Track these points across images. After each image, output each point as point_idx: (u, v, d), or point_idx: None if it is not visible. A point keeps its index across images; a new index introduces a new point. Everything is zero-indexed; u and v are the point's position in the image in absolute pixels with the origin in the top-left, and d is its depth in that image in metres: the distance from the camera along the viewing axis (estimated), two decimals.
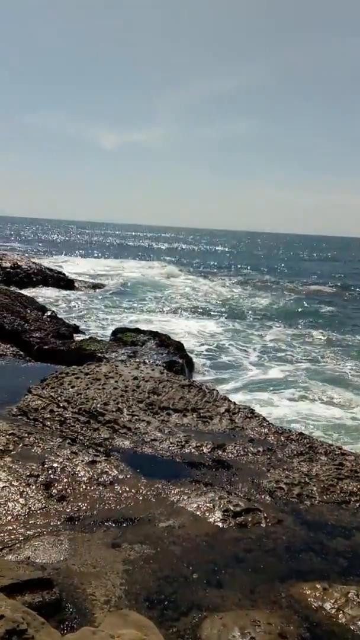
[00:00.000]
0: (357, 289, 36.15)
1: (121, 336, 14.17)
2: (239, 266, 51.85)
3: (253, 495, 3.81)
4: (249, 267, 50.36)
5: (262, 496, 3.82)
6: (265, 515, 3.50)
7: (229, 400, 5.69)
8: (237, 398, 10.64)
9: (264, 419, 5.39)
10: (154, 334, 14.45)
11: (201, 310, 23.99)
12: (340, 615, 2.59)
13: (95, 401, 5.14)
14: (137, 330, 14.72)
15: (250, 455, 4.50)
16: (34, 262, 27.47)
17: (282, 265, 58.84)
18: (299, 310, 26.05)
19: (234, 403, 5.65)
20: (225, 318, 22.38)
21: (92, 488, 3.73)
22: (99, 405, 5.06)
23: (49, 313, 15.20)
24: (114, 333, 14.71)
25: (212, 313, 23.58)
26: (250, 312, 24.56)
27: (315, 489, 3.96)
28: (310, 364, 15.19)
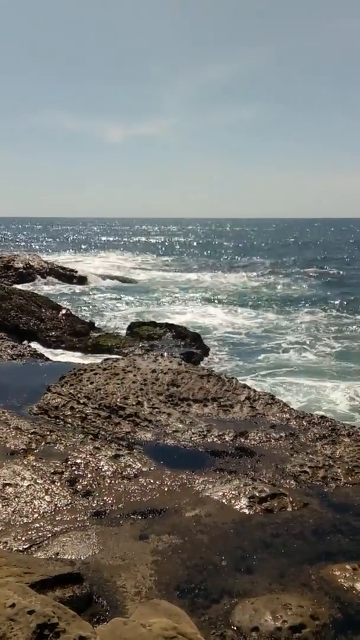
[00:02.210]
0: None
1: (137, 330, 14.20)
2: (254, 256, 51.43)
3: (278, 481, 3.80)
4: (265, 256, 49.95)
5: (287, 481, 3.81)
6: (291, 499, 3.49)
7: (249, 388, 5.68)
8: (263, 384, 10.65)
9: (284, 404, 5.37)
10: (170, 326, 14.47)
11: (221, 300, 23.93)
12: None
13: (115, 396, 5.15)
14: (153, 324, 14.74)
15: (272, 441, 4.48)
16: (45, 262, 27.63)
17: (301, 251, 58.45)
18: (322, 295, 25.91)
19: (254, 390, 5.64)
20: (246, 306, 22.33)
21: (116, 482, 3.74)
22: (118, 400, 5.08)
23: (64, 311, 15.26)
24: (130, 327, 14.74)
25: (231, 302, 23.53)
26: (271, 299, 24.45)
27: (339, 470, 3.95)
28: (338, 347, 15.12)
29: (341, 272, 36.09)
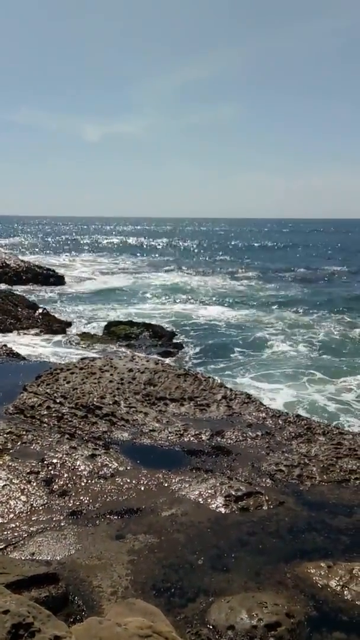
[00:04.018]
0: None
1: (114, 329, 14.17)
2: (237, 257, 51.34)
3: (254, 479, 3.82)
4: (250, 258, 49.91)
5: (263, 479, 3.83)
6: (266, 498, 3.51)
7: (226, 387, 5.70)
8: (242, 380, 10.71)
9: (260, 403, 5.41)
10: (147, 326, 14.47)
11: (203, 300, 23.94)
12: (345, 592, 2.61)
13: (91, 395, 5.13)
14: (130, 323, 14.72)
15: (249, 440, 4.51)
16: (22, 260, 27.36)
17: (283, 252, 58.83)
18: (306, 296, 26.13)
19: (231, 389, 5.66)
20: (229, 306, 22.39)
21: (93, 481, 3.73)
22: (95, 399, 5.06)
23: (40, 310, 15.15)
24: (107, 327, 14.70)
25: (213, 302, 23.56)
26: (254, 299, 24.52)
27: (315, 469, 3.98)
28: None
29: (322, 273, 36.46)
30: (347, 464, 4.06)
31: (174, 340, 14.30)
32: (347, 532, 3.19)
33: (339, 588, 2.64)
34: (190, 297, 25.06)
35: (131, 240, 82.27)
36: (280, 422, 4.87)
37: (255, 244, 74.28)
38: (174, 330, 15.76)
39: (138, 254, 52.60)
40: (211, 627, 2.35)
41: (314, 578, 2.71)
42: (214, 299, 24.59)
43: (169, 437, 4.52)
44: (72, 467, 3.89)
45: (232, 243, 77.22)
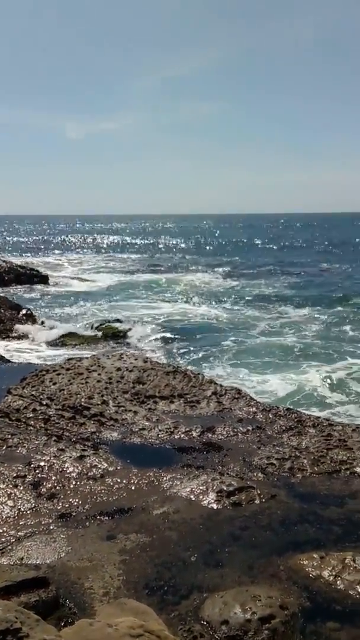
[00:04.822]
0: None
1: (101, 329, 14.13)
2: (225, 255, 51.14)
3: (245, 474, 3.81)
4: (239, 254, 49.71)
5: (255, 473, 3.82)
6: (258, 491, 3.50)
7: (215, 383, 5.68)
8: (234, 372, 10.72)
9: (251, 398, 5.40)
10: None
11: (192, 299, 23.87)
12: (338, 582, 2.60)
13: (79, 396, 5.08)
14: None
15: (240, 435, 4.49)
16: (3, 261, 27.13)
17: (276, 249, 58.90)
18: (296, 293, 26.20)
19: (220, 385, 5.64)
20: (219, 302, 22.36)
21: (82, 483, 3.69)
22: (83, 400, 5.01)
23: (24, 311, 15.04)
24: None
25: (203, 300, 23.53)
26: (245, 296, 24.49)
27: (306, 461, 3.98)
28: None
29: (314, 268, 36.56)
30: (337, 455, 4.05)
31: (164, 338, 14.27)
32: (338, 522, 3.19)
33: (331, 578, 2.63)
34: (180, 295, 25.01)
35: (118, 239, 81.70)
36: (271, 416, 4.86)
37: (246, 240, 74.32)
38: (164, 327, 15.72)
39: (126, 253, 52.44)
40: (205, 623, 2.33)
41: (307, 569, 2.70)
42: (204, 296, 24.54)
43: (159, 435, 4.49)
44: (60, 470, 3.84)
45: (222, 240, 77.18)
